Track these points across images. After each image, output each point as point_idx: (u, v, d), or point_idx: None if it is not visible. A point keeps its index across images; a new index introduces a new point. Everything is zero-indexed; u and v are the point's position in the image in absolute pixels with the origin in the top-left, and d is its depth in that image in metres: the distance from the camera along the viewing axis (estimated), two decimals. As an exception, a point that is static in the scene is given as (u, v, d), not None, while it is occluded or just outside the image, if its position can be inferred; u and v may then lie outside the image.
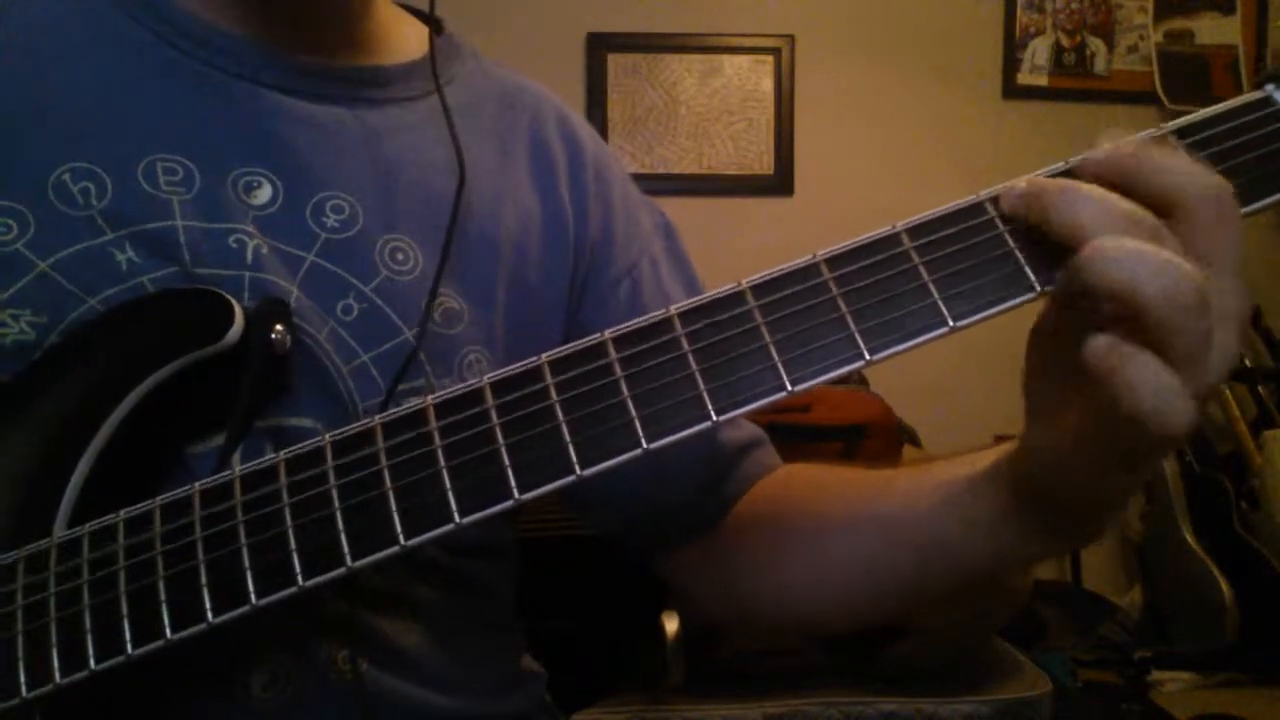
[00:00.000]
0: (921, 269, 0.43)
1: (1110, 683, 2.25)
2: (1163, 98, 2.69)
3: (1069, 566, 2.60)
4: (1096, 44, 2.72)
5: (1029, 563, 0.54)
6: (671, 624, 1.28)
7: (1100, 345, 0.39)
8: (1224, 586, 2.33)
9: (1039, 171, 0.44)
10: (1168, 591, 2.50)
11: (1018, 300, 0.42)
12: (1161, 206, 0.41)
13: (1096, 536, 0.50)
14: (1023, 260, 0.42)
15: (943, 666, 1.47)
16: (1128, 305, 0.39)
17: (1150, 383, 0.38)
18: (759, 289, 0.44)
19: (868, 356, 0.43)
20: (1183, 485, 2.48)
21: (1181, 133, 0.45)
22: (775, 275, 0.45)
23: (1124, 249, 0.39)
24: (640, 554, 0.74)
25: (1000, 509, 0.51)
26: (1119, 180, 0.42)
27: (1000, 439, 0.55)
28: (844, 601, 0.64)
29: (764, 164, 2.63)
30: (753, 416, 0.74)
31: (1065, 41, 2.71)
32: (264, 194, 0.60)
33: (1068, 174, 0.44)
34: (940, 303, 0.42)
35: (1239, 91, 0.46)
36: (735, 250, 2.42)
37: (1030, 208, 0.42)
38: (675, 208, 0.81)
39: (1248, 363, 2.59)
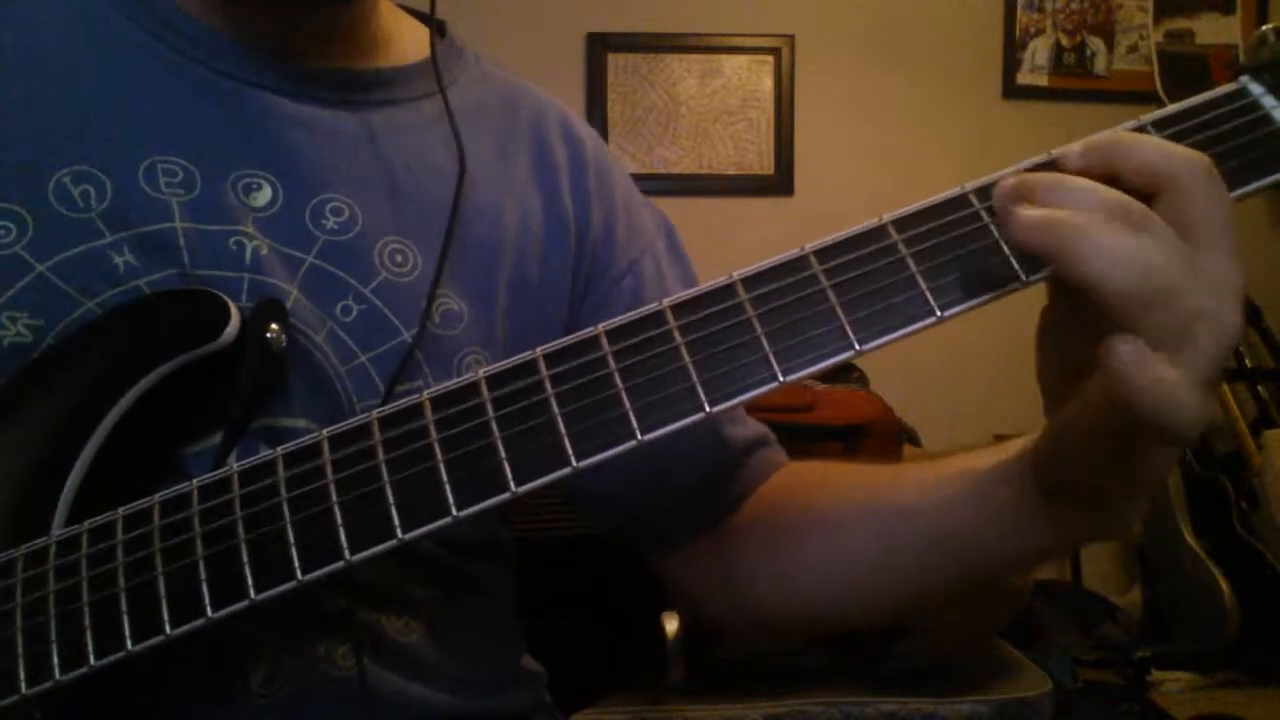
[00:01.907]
0: (909, 260, 0.44)
1: (1110, 683, 2.25)
2: (1163, 97, 2.68)
3: (1069, 566, 2.60)
4: (1096, 44, 2.72)
5: (1050, 555, 0.55)
6: (671, 624, 1.28)
7: (1120, 348, 0.40)
8: (1224, 586, 2.32)
9: (1022, 164, 0.45)
10: (1168, 591, 2.50)
11: (1004, 290, 0.43)
12: (1148, 185, 0.42)
13: (1122, 529, 0.51)
14: (1008, 251, 0.43)
15: (943, 666, 1.47)
16: (1097, 299, 0.40)
17: (1150, 373, 0.39)
18: (750, 281, 0.45)
19: (858, 347, 0.43)
20: (1183, 485, 2.48)
21: (1160, 124, 0.46)
22: (766, 268, 0.45)
23: (1096, 246, 0.40)
24: (644, 553, 0.74)
25: (1024, 498, 0.52)
26: (1102, 165, 0.43)
27: (1000, 439, 0.55)
28: (856, 598, 0.64)
29: (764, 164, 2.63)
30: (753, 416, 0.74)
31: (1065, 41, 2.71)
32: (264, 196, 0.60)
33: (1051, 165, 0.45)
34: (928, 293, 0.43)
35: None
36: (735, 250, 2.41)
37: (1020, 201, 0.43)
38: (675, 208, 0.81)
39: (1248, 362, 2.59)
